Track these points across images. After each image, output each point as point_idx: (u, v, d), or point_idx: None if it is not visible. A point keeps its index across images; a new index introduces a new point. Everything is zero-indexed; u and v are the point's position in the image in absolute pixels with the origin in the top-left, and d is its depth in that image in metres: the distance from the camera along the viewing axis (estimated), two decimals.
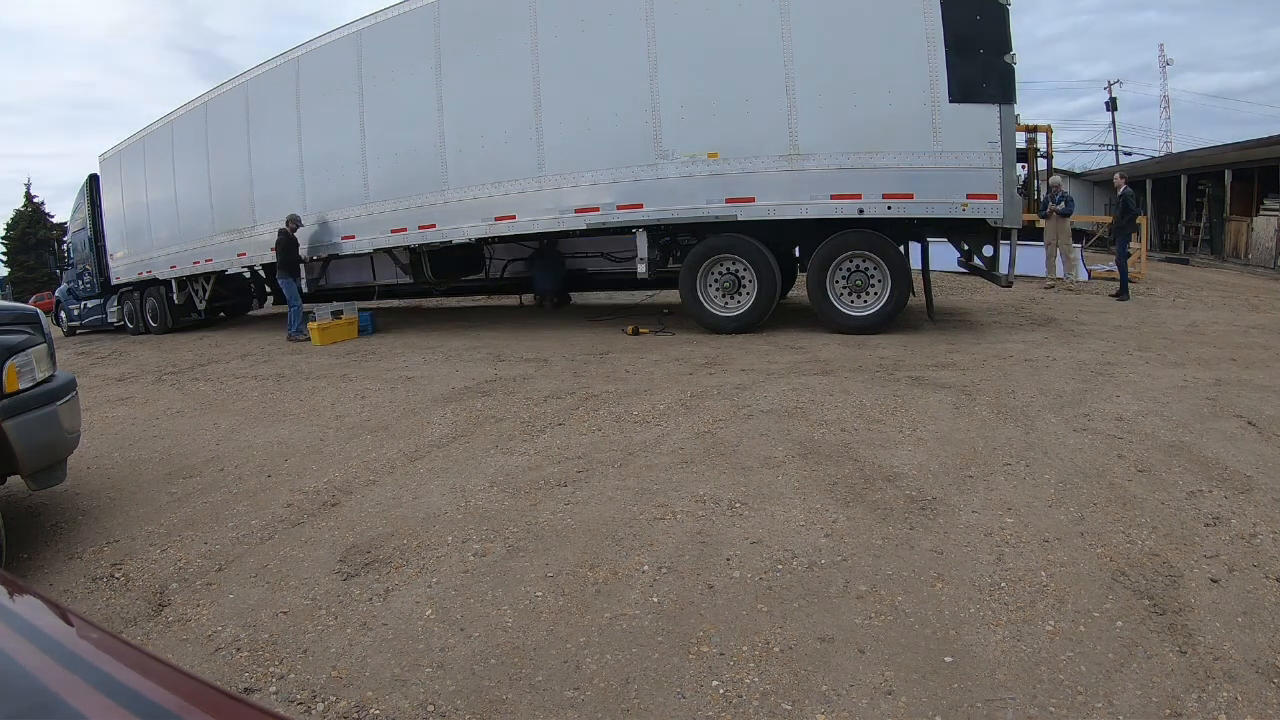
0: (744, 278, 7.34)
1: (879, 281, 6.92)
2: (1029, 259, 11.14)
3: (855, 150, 6.57)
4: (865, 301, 6.99)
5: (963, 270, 8.32)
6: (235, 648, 2.30)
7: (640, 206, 7.37)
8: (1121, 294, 9.56)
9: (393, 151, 8.76)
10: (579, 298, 11.46)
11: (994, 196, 6.26)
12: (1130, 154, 29.00)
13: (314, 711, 1.97)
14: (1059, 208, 11.05)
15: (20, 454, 3.03)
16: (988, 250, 6.93)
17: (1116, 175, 11.27)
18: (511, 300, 11.97)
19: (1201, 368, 5.22)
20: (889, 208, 6.57)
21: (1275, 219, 15.13)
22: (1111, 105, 29.66)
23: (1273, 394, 4.44)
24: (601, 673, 2.05)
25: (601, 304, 10.97)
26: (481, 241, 8.73)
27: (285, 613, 2.49)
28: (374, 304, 11.56)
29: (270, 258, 10.50)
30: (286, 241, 9.46)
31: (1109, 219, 13.84)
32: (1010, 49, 6.17)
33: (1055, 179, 11.00)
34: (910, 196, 6.49)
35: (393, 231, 8.90)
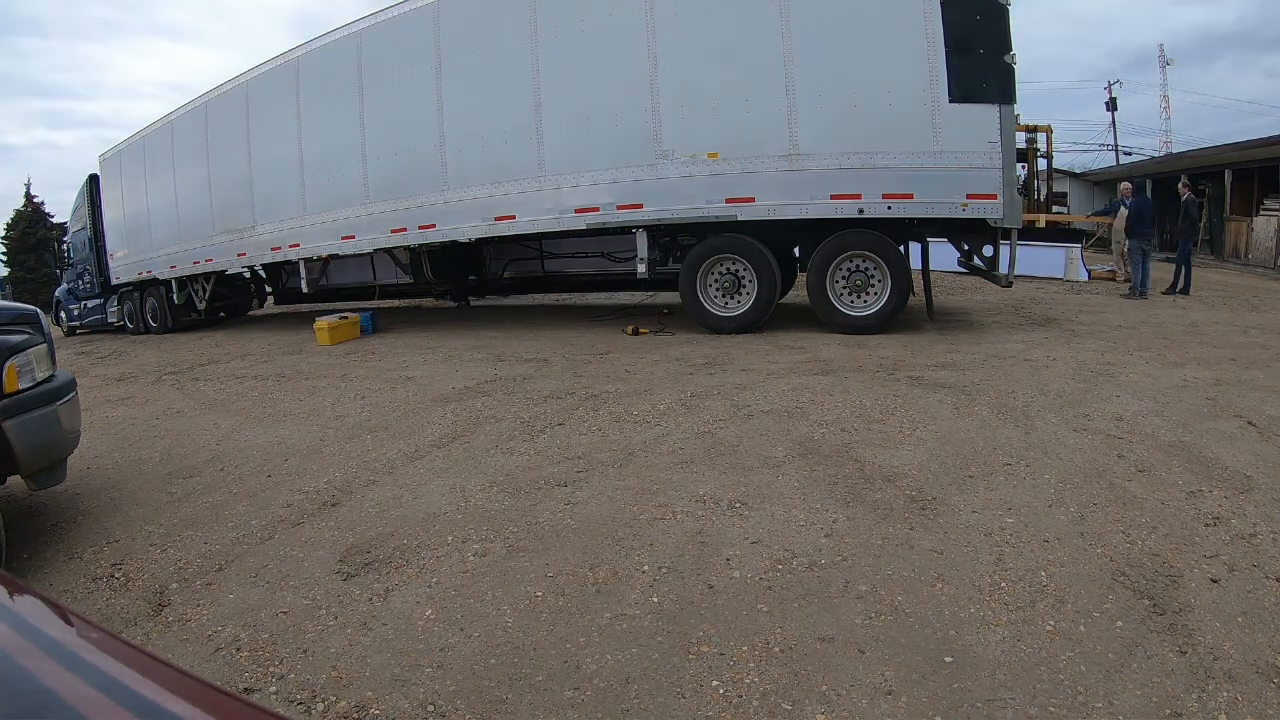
0: (744, 278, 7.34)
1: (879, 281, 6.92)
2: (1029, 259, 11.21)
3: (855, 150, 6.57)
4: (865, 301, 6.99)
5: (963, 270, 8.33)
6: (235, 648, 2.30)
7: (640, 206, 7.36)
8: (1175, 290, 10.26)
9: (393, 151, 8.75)
10: (578, 298, 11.45)
11: (994, 196, 6.26)
12: (1130, 154, 29.01)
13: (314, 711, 1.97)
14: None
15: (20, 454, 3.03)
16: (988, 250, 6.94)
17: (1180, 184, 11.74)
18: (512, 301, 11.96)
19: (1201, 368, 5.22)
20: (889, 208, 6.57)
21: (1275, 219, 15.11)
22: (1111, 105, 29.65)
23: (1273, 394, 4.44)
24: (601, 673, 2.05)
25: (602, 304, 10.97)
26: (481, 241, 8.73)
27: (285, 613, 2.49)
28: (374, 304, 11.57)
29: (270, 257, 10.51)
30: None
31: (1109, 220, 13.89)
32: (1010, 49, 6.17)
33: (1125, 185, 12.23)
34: (910, 196, 6.50)
35: (393, 231, 8.89)
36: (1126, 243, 11.19)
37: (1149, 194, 15.68)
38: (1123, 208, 11.75)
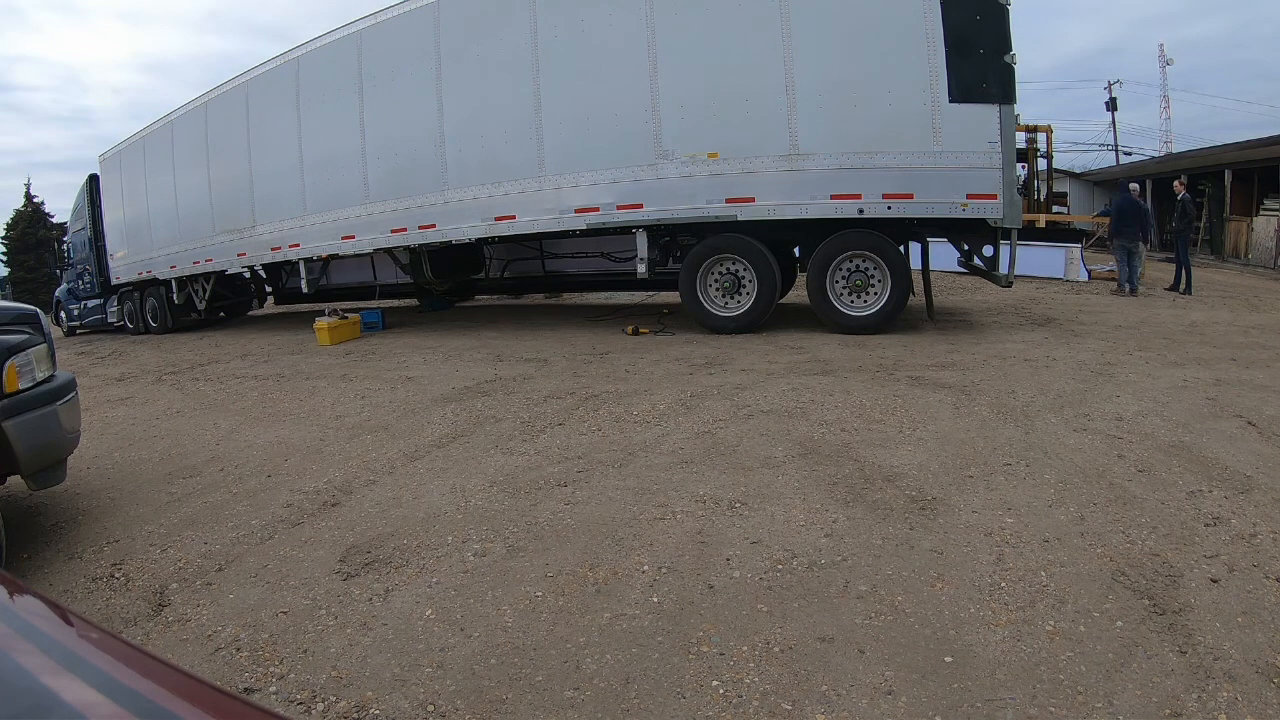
0: (744, 278, 7.34)
1: (879, 281, 6.92)
2: (1029, 259, 11.22)
3: (855, 150, 6.57)
4: (865, 301, 6.99)
5: (963, 270, 8.33)
6: (235, 648, 2.31)
7: (640, 206, 7.36)
8: (1179, 289, 10.34)
9: (393, 151, 8.75)
10: (577, 298, 11.45)
11: (994, 196, 6.26)
12: (1130, 154, 29.01)
13: (314, 711, 1.97)
14: None
15: (20, 454, 3.03)
16: (988, 250, 6.94)
17: (1176, 182, 11.84)
18: (513, 301, 11.94)
19: (1201, 368, 5.22)
20: (889, 208, 6.57)
21: (1275, 219, 15.12)
22: (1111, 105, 29.65)
23: (1273, 394, 4.44)
24: (601, 673, 2.05)
25: (602, 304, 10.97)
26: (481, 241, 8.73)
27: (285, 613, 2.49)
28: (373, 304, 11.57)
29: (271, 257, 10.51)
30: None
31: (1108, 220, 13.91)
32: (1010, 49, 6.17)
33: (1134, 185, 12.14)
34: (910, 196, 6.49)
35: (393, 231, 8.89)
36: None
37: (1147, 194, 15.73)
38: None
